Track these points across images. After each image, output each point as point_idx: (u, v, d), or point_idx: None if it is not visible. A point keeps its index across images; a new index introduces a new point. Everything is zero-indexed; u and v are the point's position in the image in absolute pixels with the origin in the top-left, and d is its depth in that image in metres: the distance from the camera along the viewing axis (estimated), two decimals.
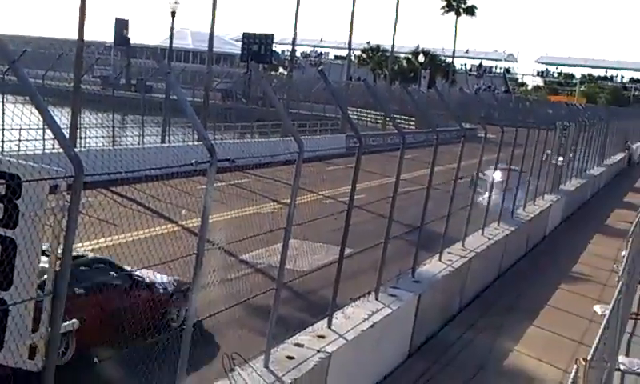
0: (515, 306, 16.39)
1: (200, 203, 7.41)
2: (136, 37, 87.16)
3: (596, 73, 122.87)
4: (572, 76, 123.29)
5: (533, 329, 14.81)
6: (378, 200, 14.68)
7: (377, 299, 12.09)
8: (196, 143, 28.77)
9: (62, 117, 25.63)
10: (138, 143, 30.92)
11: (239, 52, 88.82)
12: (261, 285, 11.03)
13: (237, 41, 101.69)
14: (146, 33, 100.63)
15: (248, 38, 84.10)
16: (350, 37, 71.22)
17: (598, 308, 15.90)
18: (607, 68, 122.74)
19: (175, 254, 8.73)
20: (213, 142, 7.55)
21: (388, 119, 42.45)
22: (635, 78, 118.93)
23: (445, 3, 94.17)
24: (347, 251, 11.03)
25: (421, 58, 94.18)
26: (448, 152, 15.58)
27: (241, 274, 12.43)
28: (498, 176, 19.59)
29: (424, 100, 48.71)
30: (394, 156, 12.48)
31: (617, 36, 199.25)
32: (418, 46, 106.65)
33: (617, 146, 50.26)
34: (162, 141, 33.39)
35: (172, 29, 48.29)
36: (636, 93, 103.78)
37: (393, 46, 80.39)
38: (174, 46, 50.21)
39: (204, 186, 7.19)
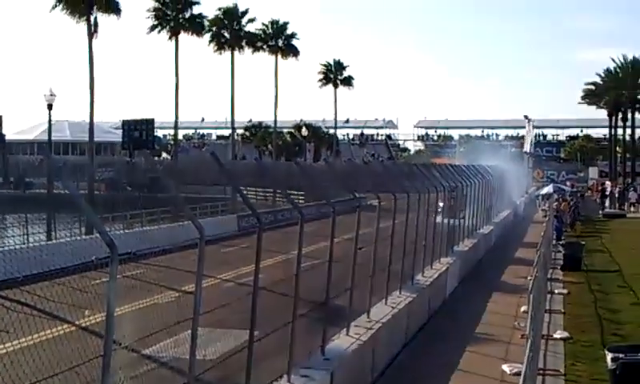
0: (426, 374, 16.28)
1: (96, 300, 7.03)
2: (11, 132, 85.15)
3: (473, 133, 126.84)
4: (451, 137, 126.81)
5: None
6: (280, 279, 14.46)
7: (289, 382, 11.76)
8: (84, 237, 27.99)
9: None
10: (24, 243, 29.78)
11: (120, 139, 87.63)
12: (170, 379, 10.59)
13: (116, 128, 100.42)
14: (22, 127, 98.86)
15: (128, 125, 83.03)
16: (233, 116, 71.70)
17: (506, 367, 15.99)
18: (483, 127, 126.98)
19: (79, 357, 8.26)
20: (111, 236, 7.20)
21: (281, 196, 42.39)
22: (510, 135, 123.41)
23: (322, 76, 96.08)
24: (255, 334, 10.71)
25: (304, 132, 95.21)
26: (340, 223, 15.51)
27: (146, 369, 11.91)
28: None
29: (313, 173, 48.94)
30: (286, 232, 12.34)
31: (489, 96, 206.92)
32: (300, 120, 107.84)
33: (503, 202, 51.66)
34: (49, 238, 32.32)
35: (50, 121, 47.35)
36: (513, 150, 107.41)
37: (275, 122, 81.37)
38: (52, 138, 49.17)
39: (97, 282, 6.82)
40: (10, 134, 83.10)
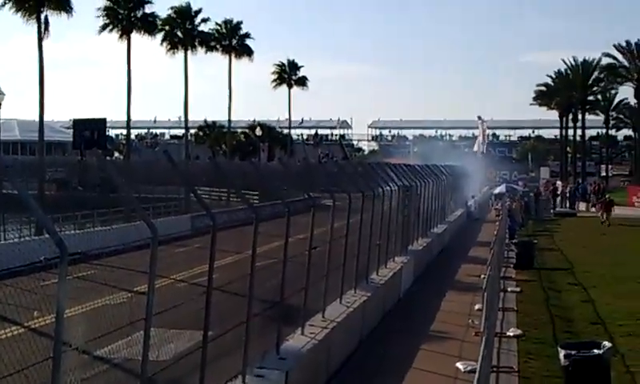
0: (381, 372, 16.28)
1: (44, 301, 6.89)
2: None
3: (427, 133, 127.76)
4: (405, 138, 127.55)
5: None
6: (235, 279, 14.33)
7: (244, 382, 11.67)
8: (34, 238, 27.55)
9: None
10: None
11: (71, 139, 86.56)
12: (122, 381, 10.43)
13: (67, 128, 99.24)
14: None
15: (79, 125, 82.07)
16: (186, 115, 71.19)
17: (460, 365, 16.06)
18: (437, 128, 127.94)
19: (28, 359, 8.07)
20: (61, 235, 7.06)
21: (236, 196, 42.30)
22: (464, 135, 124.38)
23: (276, 76, 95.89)
24: (209, 334, 10.61)
25: (258, 132, 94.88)
26: (295, 223, 15.47)
27: (97, 371, 11.70)
28: None
29: (267, 173, 48.81)
30: (240, 231, 12.28)
31: (443, 97, 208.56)
32: (254, 120, 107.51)
33: (458, 202, 52.05)
34: None
35: None
36: (466, 150, 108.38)
37: (229, 122, 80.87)
38: (0, 137, 48.50)
39: (47, 283, 6.68)
40: None
